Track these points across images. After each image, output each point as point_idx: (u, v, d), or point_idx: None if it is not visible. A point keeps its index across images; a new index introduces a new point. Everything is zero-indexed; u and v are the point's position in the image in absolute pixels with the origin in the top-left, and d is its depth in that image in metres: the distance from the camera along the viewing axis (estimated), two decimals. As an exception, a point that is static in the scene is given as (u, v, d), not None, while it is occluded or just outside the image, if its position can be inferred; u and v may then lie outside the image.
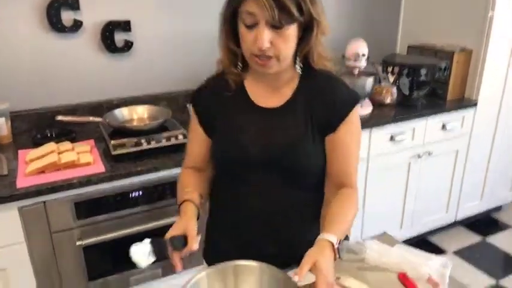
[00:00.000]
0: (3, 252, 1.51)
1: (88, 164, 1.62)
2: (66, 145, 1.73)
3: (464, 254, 2.60)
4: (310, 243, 1.12)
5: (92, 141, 1.85)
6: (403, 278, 1.07)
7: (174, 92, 2.26)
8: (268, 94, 1.09)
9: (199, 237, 0.98)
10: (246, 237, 1.13)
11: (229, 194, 1.15)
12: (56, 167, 1.58)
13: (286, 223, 1.12)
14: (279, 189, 1.09)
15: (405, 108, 2.34)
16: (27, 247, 1.54)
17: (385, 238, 1.28)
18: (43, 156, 1.62)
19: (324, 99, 1.06)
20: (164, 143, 1.74)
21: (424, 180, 2.47)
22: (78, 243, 1.58)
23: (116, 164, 1.65)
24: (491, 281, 2.37)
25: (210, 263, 1.14)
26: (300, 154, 1.06)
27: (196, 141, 1.17)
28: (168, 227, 1.64)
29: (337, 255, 0.94)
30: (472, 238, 2.76)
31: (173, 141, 1.75)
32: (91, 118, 1.82)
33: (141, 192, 1.68)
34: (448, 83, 2.45)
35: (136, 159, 1.68)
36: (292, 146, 1.06)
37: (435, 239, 2.74)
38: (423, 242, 2.70)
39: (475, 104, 2.46)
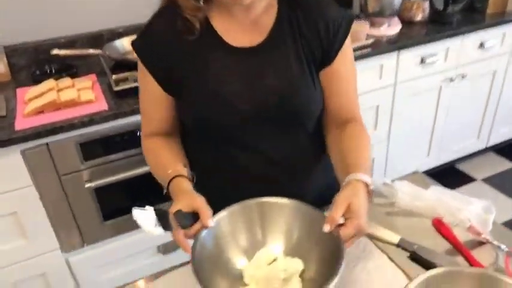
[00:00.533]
0: (12, 196, 1.46)
1: (90, 101, 1.50)
2: (66, 81, 1.60)
3: (494, 181, 2.48)
4: (316, 195, 1.00)
5: (93, 76, 1.71)
6: (438, 224, 0.96)
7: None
8: (244, 29, 0.87)
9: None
10: None
11: (214, 159, 0.97)
12: (55, 106, 1.46)
13: (289, 177, 0.99)
14: (276, 142, 0.94)
15: (438, 26, 2.08)
16: (37, 190, 1.48)
17: (416, 178, 1.15)
18: (42, 94, 1.50)
19: (314, 26, 0.87)
20: (170, 75, 1.59)
21: (456, 105, 2.27)
22: (87, 185, 1.51)
23: (120, 101, 1.52)
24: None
25: None
26: (300, 98, 0.89)
27: (155, 103, 0.92)
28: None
29: (372, 198, 0.80)
30: (503, 164, 2.62)
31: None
32: (90, 51, 1.67)
33: (149, 130, 1.56)
34: (488, -6, 2.16)
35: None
36: (288, 90, 0.88)
37: (463, 167, 2.60)
38: (451, 170, 2.57)
39: (518, 18, 2.18)
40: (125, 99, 1.52)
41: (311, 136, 0.98)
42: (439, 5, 2.12)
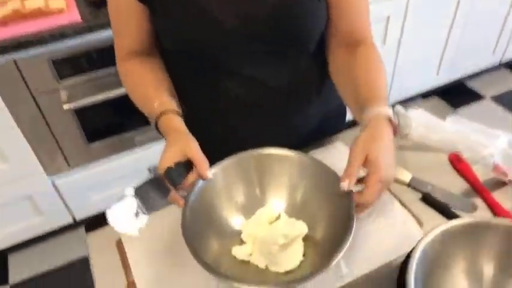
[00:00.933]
0: (-17, 119, 1.33)
1: (60, 11, 1.30)
2: (31, -14, 1.37)
3: (503, 99, 2.34)
4: (316, 125, 0.90)
5: (64, -20, 1.47)
6: (455, 160, 0.85)
7: None
8: None
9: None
10: (239, 140, 0.77)
11: (202, 89, 0.83)
12: (20, 16, 1.26)
13: (287, 106, 0.85)
14: (271, 66, 0.79)
15: None
16: (10, 112, 1.35)
17: (432, 104, 1.01)
18: (3, 3, 1.29)
19: None
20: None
21: (473, 18, 2.05)
22: (66, 106, 1.37)
23: (96, 11, 1.32)
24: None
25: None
26: (298, 11, 0.72)
27: (127, 16, 0.77)
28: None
29: (397, 131, 0.67)
30: (513, 81, 2.47)
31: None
32: None
33: (131, 45, 1.38)
34: None
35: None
36: (286, 6, 0.71)
37: (474, 84, 2.45)
38: (460, 88, 2.42)
39: None
40: (101, 9, 1.32)
41: (311, 59, 0.82)
42: None
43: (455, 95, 2.32)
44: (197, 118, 0.81)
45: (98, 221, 1.78)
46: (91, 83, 1.41)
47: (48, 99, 1.37)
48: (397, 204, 0.76)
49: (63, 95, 1.38)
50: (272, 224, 0.70)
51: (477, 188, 0.79)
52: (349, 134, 0.93)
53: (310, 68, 0.84)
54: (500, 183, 0.80)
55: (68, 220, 1.72)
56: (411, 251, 0.60)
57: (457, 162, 0.84)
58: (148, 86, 0.78)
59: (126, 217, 0.61)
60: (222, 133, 0.88)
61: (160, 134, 0.74)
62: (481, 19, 2.08)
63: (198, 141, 0.68)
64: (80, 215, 1.73)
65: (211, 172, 0.67)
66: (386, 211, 0.75)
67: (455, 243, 0.61)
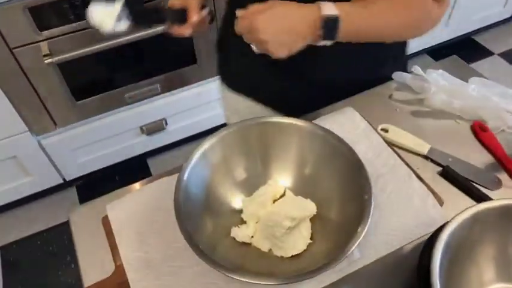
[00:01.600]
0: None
1: (35, -49, 1.15)
2: None
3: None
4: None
5: None
6: (478, 129, 0.77)
7: None
8: None
9: (206, 10, 0.74)
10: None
11: None
12: (-10, -43, 1.12)
13: None
14: None
15: None
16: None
17: (452, 63, 0.92)
18: None
19: None
20: None
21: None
22: (47, 60, 1.25)
23: (75, -49, 1.17)
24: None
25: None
26: None
27: None
28: (156, 36, 1.28)
29: (322, 36, 0.58)
30: (525, 36, 2.34)
31: None
32: None
33: (118, -8, 1.24)
34: None
35: None
36: None
37: (482, 39, 2.32)
38: (468, 42, 2.30)
39: None
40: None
41: None
42: None
43: (463, 49, 2.21)
44: None
45: (89, 184, 1.73)
46: (75, 34, 1.28)
47: (27, 51, 1.25)
48: (414, 179, 0.69)
49: (44, 47, 1.26)
50: (276, 202, 0.63)
51: (503, 161, 0.71)
52: (359, 99, 0.84)
53: None
54: (528, 156, 0.73)
55: (57, 181, 1.65)
56: (434, 235, 0.54)
57: (480, 132, 0.76)
58: None
59: (107, 16, 0.63)
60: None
61: None
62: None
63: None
64: (70, 175, 1.66)
65: (197, 16, 0.71)
66: (402, 187, 0.67)
67: (484, 227, 0.54)
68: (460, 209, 0.54)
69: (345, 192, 0.59)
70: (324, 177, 0.62)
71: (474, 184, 0.69)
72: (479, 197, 0.66)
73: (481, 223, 0.54)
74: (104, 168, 1.71)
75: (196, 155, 0.60)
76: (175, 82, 1.57)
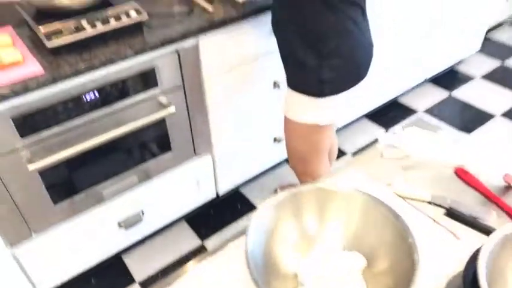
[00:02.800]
0: None
1: (16, 63, 1.18)
2: (-24, 38, 1.24)
3: (434, 111, 2.58)
4: None
5: (9, 28, 1.36)
6: (461, 173, 0.91)
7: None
8: None
9: None
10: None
11: None
12: (-29, 73, 1.14)
13: None
14: None
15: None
16: (-38, 180, 1.18)
17: (420, 124, 1.08)
18: None
19: None
20: (114, 24, 1.31)
21: (400, 39, 2.25)
22: (31, 167, 1.24)
23: (56, 60, 1.23)
24: (463, 134, 2.38)
25: None
26: None
27: None
28: (136, 132, 1.32)
29: None
30: (439, 95, 2.72)
31: (125, 20, 1.33)
32: (1, -4, 1.31)
33: (96, 94, 1.30)
34: None
35: (81, 50, 1.26)
36: None
37: (405, 100, 2.67)
38: (394, 104, 2.62)
39: None
40: (61, 58, 1.23)
41: None
42: None
43: (390, 111, 2.52)
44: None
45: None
46: (54, 138, 1.29)
47: (7, 160, 1.23)
48: (433, 222, 0.79)
49: (25, 154, 1.25)
50: (329, 259, 0.69)
51: (490, 197, 0.85)
52: (356, 161, 0.96)
53: None
54: (505, 189, 0.87)
55: (29, 293, 1.53)
56: (472, 260, 0.63)
57: (463, 175, 0.90)
58: None
59: None
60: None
61: None
62: (406, 41, 2.29)
63: None
64: (43, 285, 1.55)
65: None
66: (426, 230, 0.77)
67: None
68: (471, 241, 0.65)
69: (391, 247, 0.66)
70: (370, 233, 0.70)
71: (477, 220, 0.81)
72: (485, 229, 0.78)
73: (509, 238, 0.65)
74: (79, 274, 1.62)
75: (253, 221, 0.65)
76: (151, 171, 1.60)
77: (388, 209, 0.68)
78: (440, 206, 0.84)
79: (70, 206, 1.44)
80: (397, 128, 0.98)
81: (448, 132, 1.00)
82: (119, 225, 1.61)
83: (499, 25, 3.36)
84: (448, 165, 0.93)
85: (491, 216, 0.81)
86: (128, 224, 1.63)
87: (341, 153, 2.25)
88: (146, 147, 1.54)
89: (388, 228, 0.67)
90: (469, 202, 0.85)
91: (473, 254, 0.66)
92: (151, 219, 1.71)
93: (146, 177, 1.59)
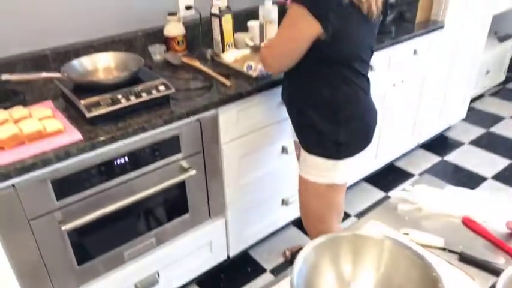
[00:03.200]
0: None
1: (59, 131, 1.31)
2: (20, 110, 1.38)
3: (430, 174, 2.72)
4: None
5: (49, 103, 1.50)
6: (469, 222, 1.02)
7: (129, 33, 1.91)
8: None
9: None
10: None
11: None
12: (18, 140, 1.25)
13: None
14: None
15: (379, 36, 2.23)
16: (4, 248, 1.25)
17: (426, 180, 1.21)
18: (-3, 128, 1.27)
19: None
20: (145, 97, 1.46)
21: (394, 109, 2.46)
22: (62, 227, 1.31)
23: (94, 129, 1.36)
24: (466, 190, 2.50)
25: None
26: None
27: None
28: (159, 195, 1.40)
29: None
30: (432, 159, 2.89)
31: (155, 93, 1.48)
32: (44, 74, 1.47)
33: (126, 158, 1.42)
34: (417, 4, 2.37)
35: (116, 120, 1.40)
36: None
37: (401, 164, 2.82)
38: (391, 169, 2.76)
39: (442, 27, 2.44)
40: (98, 126, 1.36)
41: None
42: (377, 17, 2.28)
43: (389, 175, 2.66)
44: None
45: None
46: (86, 200, 1.38)
47: (42, 222, 1.31)
48: (451, 267, 0.89)
49: (58, 215, 1.33)
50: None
51: (497, 243, 0.95)
52: (375, 215, 1.07)
53: None
54: (509, 236, 0.98)
55: None
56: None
57: (470, 224, 1.01)
58: None
59: None
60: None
61: None
62: (400, 110, 2.50)
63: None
64: None
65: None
66: (446, 274, 0.86)
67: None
68: (484, 281, 0.75)
69: (417, 280, 0.75)
70: (398, 273, 0.78)
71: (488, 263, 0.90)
72: (495, 270, 0.88)
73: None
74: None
75: (298, 265, 0.74)
76: (168, 234, 1.67)
77: (412, 250, 0.78)
78: (453, 251, 0.94)
79: (92, 268, 1.49)
80: (407, 186, 1.10)
81: (453, 188, 1.13)
82: (136, 287, 1.64)
83: (480, 96, 3.64)
84: (456, 216, 1.04)
85: (500, 259, 0.91)
86: (143, 286, 1.66)
87: (345, 215, 2.35)
88: (166, 210, 1.62)
89: (415, 267, 0.76)
90: (478, 248, 0.95)
91: (490, 288, 0.75)
92: (166, 281, 1.74)
93: (164, 239, 1.66)
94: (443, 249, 0.95)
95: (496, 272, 0.88)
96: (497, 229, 0.99)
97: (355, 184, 2.56)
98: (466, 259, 0.92)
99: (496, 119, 3.35)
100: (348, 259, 0.81)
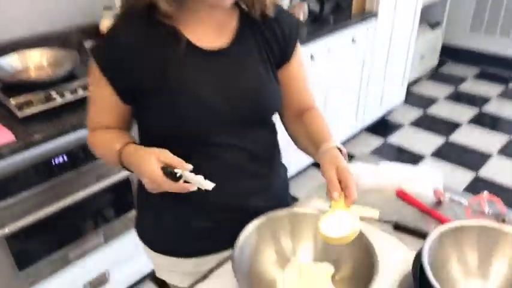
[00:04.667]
0: None
1: (-12, 133, 1.25)
2: None
3: (374, 155, 2.84)
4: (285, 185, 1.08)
5: (-25, 104, 1.42)
6: (402, 194, 1.08)
7: (63, 29, 1.84)
8: (211, 32, 0.86)
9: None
10: (222, 203, 0.91)
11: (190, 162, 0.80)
12: None
13: (265, 169, 0.99)
14: (247, 139, 0.93)
15: (317, 25, 2.30)
16: None
17: (363, 157, 1.26)
18: None
19: (272, 28, 0.92)
20: (82, 93, 1.42)
21: (337, 96, 2.54)
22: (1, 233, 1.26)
23: (26, 128, 1.30)
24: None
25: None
26: (269, 96, 0.92)
27: (109, 112, 0.89)
28: (104, 191, 1.38)
29: (346, 157, 0.86)
30: (375, 141, 3.02)
31: (91, 89, 1.44)
32: (-31, 73, 1.39)
33: (65, 157, 1.38)
34: (352, -5, 2.46)
35: (50, 118, 1.35)
36: (260, 89, 0.90)
37: (347, 148, 2.91)
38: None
39: (376, 15, 2.54)
40: (31, 126, 1.31)
41: (274, 130, 1.02)
42: (314, 7, 2.34)
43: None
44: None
45: None
46: (24, 203, 1.33)
47: (-24, 229, 1.24)
48: (386, 236, 0.94)
49: (-6, 221, 1.27)
50: (303, 270, 0.81)
51: (427, 211, 1.02)
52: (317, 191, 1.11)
53: (273, 136, 1.02)
54: (436, 204, 1.05)
55: None
56: (417, 256, 0.78)
57: (404, 196, 1.07)
58: (111, 137, 0.89)
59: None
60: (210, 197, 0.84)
61: (125, 168, 0.84)
62: (341, 96, 2.58)
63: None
64: None
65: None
66: (380, 242, 0.92)
67: (446, 240, 0.80)
68: (417, 245, 0.81)
69: (355, 255, 0.80)
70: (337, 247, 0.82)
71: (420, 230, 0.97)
72: (426, 235, 0.93)
73: (445, 239, 0.80)
74: None
75: (239, 245, 0.76)
76: (116, 231, 1.64)
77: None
78: (388, 222, 1.00)
79: (36, 271, 1.44)
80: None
81: (387, 163, 1.19)
82: (84, 287, 1.60)
83: (418, 79, 3.83)
84: (390, 189, 1.10)
85: (430, 226, 0.98)
86: (94, 285, 1.62)
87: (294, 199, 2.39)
88: (112, 207, 1.59)
89: (352, 245, 0.80)
90: (411, 217, 1.01)
91: (419, 251, 0.80)
92: (118, 278, 1.71)
93: (111, 236, 1.63)
94: (379, 220, 1.00)
95: (425, 236, 0.93)
96: (427, 199, 1.06)
97: (304, 170, 2.62)
98: (400, 227, 0.97)
99: (433, 100, 3.54)
100: (287, 236, 0.84)
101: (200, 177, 0.76)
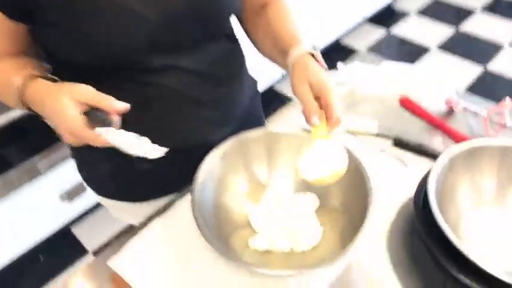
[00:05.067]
0: None
1: None
2: None
3: (374, 50, 2.60)
4: (242, 114, 0.82)
5: None
6: (406, 102, 0.90)
7: None
8: None
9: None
10: (169, 131, 0.72)
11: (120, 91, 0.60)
12: None
13: (224, 95, 0.77)
14: (195, 55, 0.70)
15: None
16: None
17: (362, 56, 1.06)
18: None
19: None
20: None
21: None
22: None
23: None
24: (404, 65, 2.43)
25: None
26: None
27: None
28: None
29: (324, 65, 0.67)
30: (378, 32, 2.74)
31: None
32: None
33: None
34: None
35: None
36: None
37: (347, 41, 2.66)
38: (335, 47, 2.60)
39: None
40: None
41: (232, 38, 0.79)
42: None
43: (334, 52, 2.51)
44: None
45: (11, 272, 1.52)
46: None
47: None
48: (381, 154, 0.79)
49: None
50: (281, 203, 0.67)
51: (434, 123, 0.85)
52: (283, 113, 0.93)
53: (232, 46, 0.79)
54: (447, 114, 0.88)
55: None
56: (422, 184, 0.63)
57: (408, 104, 0.89)
58: (5, 67, 0.65)
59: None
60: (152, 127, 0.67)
61: (31, 111, 0.63)
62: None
63: None
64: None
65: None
66: (375, 161, 0.76)
67: (458, 165, 0.65)
68: (420, 168, 0.65)
69: (343, 184, 0.64)
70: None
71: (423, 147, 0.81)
72: (432, 154, 0.78)
73: (457, 163, 0.65)
74: (25, 252, 1.53)
75: (201, 173, 0.61)
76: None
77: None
78: (387, 137, 0.84)
79: (3, 183, 1.33)
80: (339, 65, 0.95)
81: (390, 64, 0.99)
82: (61, 198, 1.51)
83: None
84: (392, 97, 0.92)
85: (436, 142, 0.82)
86: (71, 195, 1.53)
87: (286, 98, 2.23)
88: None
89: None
90: (416, 131, 0.85)
91: (423, 178, 0.65)
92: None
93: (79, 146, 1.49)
94: (378, 135, 0.84)
95: (431, 155, 0.78)
96: (437, 108, 0.89)
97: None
98: (401, 144, 0.82)
99: (444, -16, 3.16)
100: (263, 162, 0.68)
101: (144, 140, 0.56)
